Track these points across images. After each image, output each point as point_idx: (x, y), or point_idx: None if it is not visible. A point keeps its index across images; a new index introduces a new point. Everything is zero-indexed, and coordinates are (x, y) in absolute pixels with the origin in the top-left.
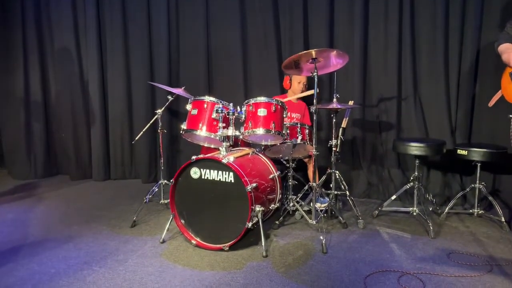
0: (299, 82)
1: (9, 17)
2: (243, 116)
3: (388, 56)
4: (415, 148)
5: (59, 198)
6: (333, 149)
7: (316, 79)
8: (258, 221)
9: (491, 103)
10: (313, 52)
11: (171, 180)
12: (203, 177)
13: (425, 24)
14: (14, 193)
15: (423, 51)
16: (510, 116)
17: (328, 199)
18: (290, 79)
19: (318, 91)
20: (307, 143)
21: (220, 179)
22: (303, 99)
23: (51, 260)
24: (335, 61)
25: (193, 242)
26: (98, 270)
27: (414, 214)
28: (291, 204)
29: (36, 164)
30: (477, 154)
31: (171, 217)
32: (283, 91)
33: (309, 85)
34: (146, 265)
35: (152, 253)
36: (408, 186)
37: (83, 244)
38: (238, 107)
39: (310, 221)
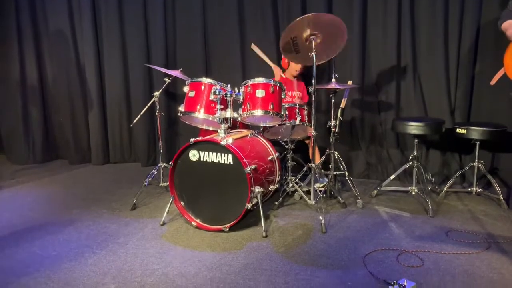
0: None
1: (2, 1)
2: (241, 97)
3: (387, 35)
4: (414, 128)
5: (59, 182)
6: (332, 129)
7: (314, 58)
8: (257, 202)
9: (493, 81)
10: (309, 17)
11: (170, 163)
12: (202, 159)
13: (425, 2)
14: (13, 178)
15: (423, 30)
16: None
17: (327, 179)
18: None
19: (314, 72)
20: (306, 124)
21: (219, 161)
22: (302, 77)
23: (52, 243)
24: (333, 45)
25: (193, 223)
26: (99, 253)
27: (413, 193)
28: (290, 185)
29: (34, 148)
30: (476, 132)
31: (171, 200)
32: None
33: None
34: (146, 247)
35: (152, 235)
36: (407, 165)
37: (83, 227)
38: (236, 89)
39: (309, 201)
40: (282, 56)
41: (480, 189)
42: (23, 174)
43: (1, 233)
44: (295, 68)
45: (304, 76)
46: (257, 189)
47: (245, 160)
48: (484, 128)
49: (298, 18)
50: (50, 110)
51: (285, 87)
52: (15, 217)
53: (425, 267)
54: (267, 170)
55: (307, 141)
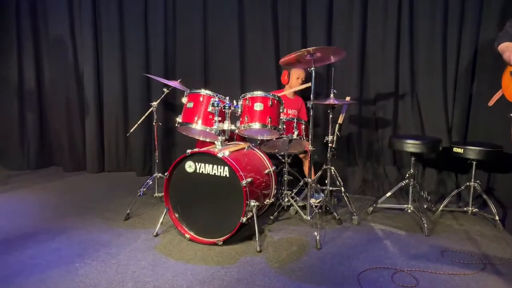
0: (297, 78)
1: (3, 5)
2: (239, 110)
3: (386, 53)
4: (411, 146)
5: (52, 189)
6: (329, 145)
7: (313, 73)
8: (252, 216)
9: (491, 102)
10: (310, 50)
11: (166, 174)
12: (198, 171)
13: (424, 21)
14: (7, 184)
15: (421, 48)
16: (511, 115)
17: (322, 195)
18: (289, 74)
19: (313, 87)
20: (303, 139)
21: (215, 173)
22: (300, 94)
23: (43, 252)
24: (332, 55)
25: (187, 236)
26: (90, 263)
27: (409, 211)
28: (286, 199)
29: (29, 154)
30: (473, 152)
31: (165, 211)
32: (280, 86)
33: (307, 80)
34: (139, 259)
35: (145, 246)
36: (403, 183)
37: (75, 236)
38: (235, 101)
39: (304, 216)
40: (283, 72)
41: (476, 209)
42: (17, 180)
43: None
44: (295, 83)
45: (303, 92)
46: (253, 202)
47: (241, 173)
48: (481, 148)
49: (299, 52)
50: (47, 116)
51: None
52: (7, 223)
53: (420, 287)
54: (263, 184)
55: (301, 156)
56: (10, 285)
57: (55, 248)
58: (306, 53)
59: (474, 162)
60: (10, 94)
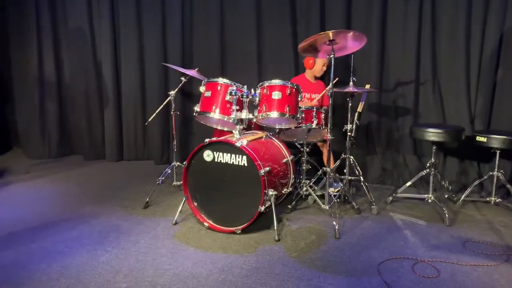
0: (323, 65)
1: None
2: (257, 99)
3: (407, 39)
4: (433, 135)
5: (73, 178)
6: (348, 134)
7: (332, 61)
8: (270, 205)
9: None
10: (330, 33)
11: (184, 163)
12: (216, 160)
13: (447, 6)
14: (28, 172)
15: (444, 34)
16: None
17: (341, 184)
18: (314, 60)
19: (333, 75)
20: (322, 128)
21: (233, 162)
22: (322, 79)
23: (65, 240)
24: (352, 43)
25: (206, 224)
26: (111, 251)
27: (429, 201)
28: (304, 188)
29: (50, 143)
30: (496, 141)
31: (184, 199)
32: (298, 74)
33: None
34: (158, 247)
35: (164, 234)
36: (424, 172)
37: (96, 224)
38: (252, 90)
39: (323, 206)
40: (306, 57)
41: (499, 199)
42: (38, 168)
43: (15, 228)
44: (319, 71)
45: (322, 78)
46: (271, 192)
47: (259, 162)
48: (506, 137)
49: (318, 35)
50: (67, 106)
51: (302, 90)
52: (29, 212)
53: (441, 278)
54: (281, 173)
55: (320, 144)
56: (33, 272)
57: (76, 236)
58: (324, 38)
59: (498, 151)
60: (31, 85)
